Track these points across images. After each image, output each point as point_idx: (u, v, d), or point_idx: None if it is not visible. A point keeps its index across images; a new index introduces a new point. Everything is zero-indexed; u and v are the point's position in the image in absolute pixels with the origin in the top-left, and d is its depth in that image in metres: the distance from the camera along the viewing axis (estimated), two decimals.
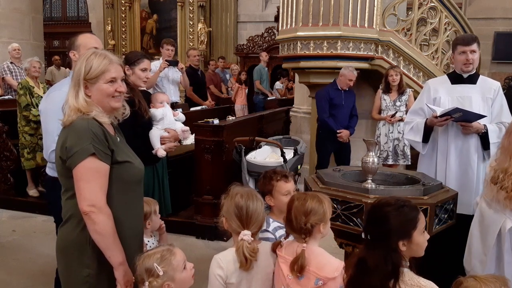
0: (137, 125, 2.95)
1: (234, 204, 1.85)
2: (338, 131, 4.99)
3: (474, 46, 2.95)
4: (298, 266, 1.75)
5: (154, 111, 3.19)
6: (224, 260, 1.84)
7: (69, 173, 1.72)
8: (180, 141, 3.43)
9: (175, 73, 5.79)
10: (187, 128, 3.31)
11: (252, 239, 1.81)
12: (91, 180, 1.68)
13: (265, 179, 2.36)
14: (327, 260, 1.80)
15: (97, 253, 1.73)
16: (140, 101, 3.01)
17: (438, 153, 3.07)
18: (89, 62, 1.76)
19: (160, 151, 3.08)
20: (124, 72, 2.01)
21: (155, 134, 3.12)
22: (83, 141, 1.69)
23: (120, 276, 1.74)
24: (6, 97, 6.50)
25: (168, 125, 3.21)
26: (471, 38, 3.03)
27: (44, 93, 5.23)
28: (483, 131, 2.89)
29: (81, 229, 1.73)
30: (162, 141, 3.13)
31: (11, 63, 6.83)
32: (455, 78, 3.07)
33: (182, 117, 3.44)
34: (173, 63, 5.54)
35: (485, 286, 1.60)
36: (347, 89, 5.05)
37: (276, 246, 1.91)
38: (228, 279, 1.83)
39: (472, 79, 3.03)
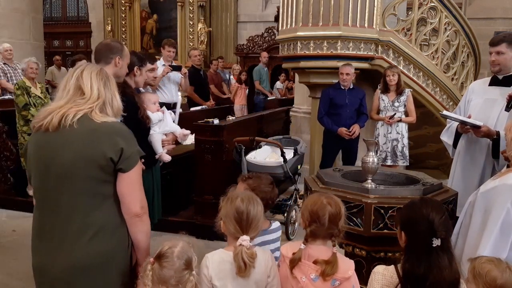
0: (139, 131, 2.95)
1: (235, 208, 1.78)
2: (345, 129, 4.87)
3: (500, 47, 2.82)
4: (330, 270, 1.73)
5: (151, 115, 3.12)
6: (211, 259, 1.78)
7: (109, 177, 1.62)
8: (177, 142, 3.42)
9: (175, 73, 5.78)
10: (188, 131, 3.32)
11: (251, 244, 1.74)
12: (140, 182, 1.69)
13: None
14: (341, 260, 1.79)
15: (130, 258, 1.72)
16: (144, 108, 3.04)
17: (455, 156, 3.07)
18: None
19: (165, 156, 3.08)
20: None
21: (157, 139, 3.09)
22: (133, 143, 1.69)
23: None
24: (6, 97, 6.44)
25: (169, 130, 3.21)
26: (498, 38, 2.88)
27: (41, 93, 5.22)
28: (494, 137, 2.76)
29: (117, 238, 1.66)
30: (162, 144, 3.14)
31: (4, 64, 6.63)
32: (493, 80, 2.99)
33: (173, 116, 3.42)
34: (177, 68, 5.53)
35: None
36: (351, 87, 4.97)
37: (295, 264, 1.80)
38: (212, 279, 1.75)
39: (508, 81, 2.88)
